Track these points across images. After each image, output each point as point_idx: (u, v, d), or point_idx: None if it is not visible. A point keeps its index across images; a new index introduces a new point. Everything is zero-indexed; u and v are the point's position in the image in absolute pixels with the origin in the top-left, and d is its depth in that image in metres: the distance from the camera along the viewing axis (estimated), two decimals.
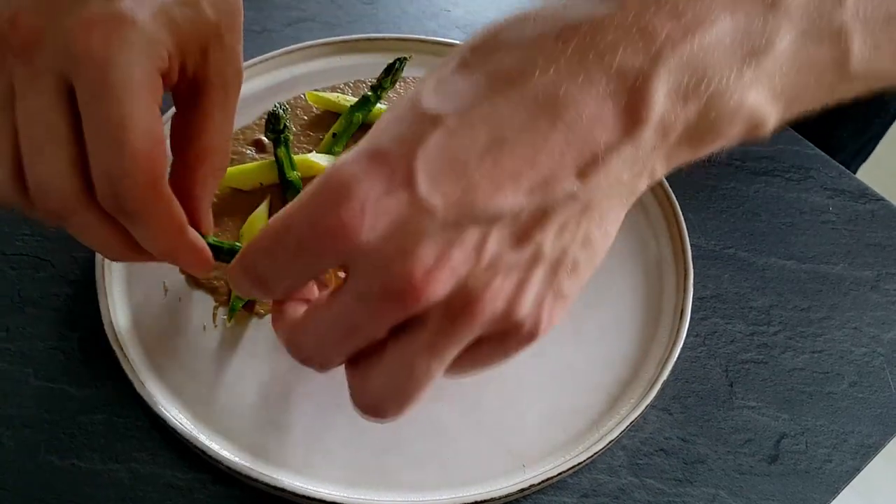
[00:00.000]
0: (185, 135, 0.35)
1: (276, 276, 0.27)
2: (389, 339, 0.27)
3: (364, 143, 0.25)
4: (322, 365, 0.29)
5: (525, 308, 0.26)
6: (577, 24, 0.25)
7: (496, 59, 0.25)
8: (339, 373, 0.43)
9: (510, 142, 0.24)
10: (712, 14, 0.25)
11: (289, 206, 0.26)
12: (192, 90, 0.35)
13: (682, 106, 0.25)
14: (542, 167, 0.24)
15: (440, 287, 0.24)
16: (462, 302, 0.25)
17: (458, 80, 0.25)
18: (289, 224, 0.26)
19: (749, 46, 0.25)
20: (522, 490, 0.39)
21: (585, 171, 0.25)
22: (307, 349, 0.28)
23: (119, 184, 0.30)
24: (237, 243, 0.43)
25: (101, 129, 0.30)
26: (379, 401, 0.28)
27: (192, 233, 0.35)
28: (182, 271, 0.46)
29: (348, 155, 0.25)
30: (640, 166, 0.26)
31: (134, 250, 0.34)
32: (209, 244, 0.43)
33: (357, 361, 0.29)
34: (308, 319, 0.28)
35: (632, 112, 0.24)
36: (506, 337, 0.27)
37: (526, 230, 0.25)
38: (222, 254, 0.37)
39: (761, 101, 0.26)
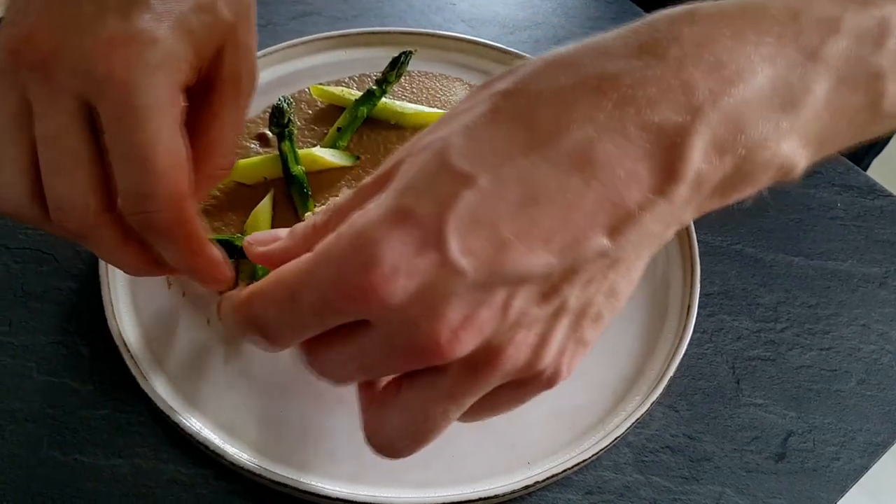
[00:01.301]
0: (192, 131, 0.34)
1: (286, 328, 0.27)
2: (406, 379, 0.27)
3: (392, 198, 0.24)
4: (336, 382, 0.28)
5: (547, 359, 0.26)
6: (617, 76, 0.24)
7: (531, 110, 0.25)
8: None
9: (543, 202, 0.23)
10: (754, 65, 0.24)
11: (306, 261, 0.25)
12: (205, 87, 0.35)
13: (718, 160, 0.24)
14: (574, 227, 0.24)
15: (465, 346, 0.24)
16: (485, 356, 0.25)
17: (491, 133, 0.25)
18: (310, 281, 0.25)
19: (787, 97, 0.24)
20: (527, 487, 0.38)
21: (618, 228, 0.24)
22: (321, 368, 0.28)
23: (146, 203, 0.30)
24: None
25: (126, 150, 0.30)
26: (393, 441, 0.28)
27: (213, 249, 0.34)
28: None
29: (375, 212, 0.24)
30: (672, 219, 0.25)
31: (151, 265, 0.34)
32: (219, 240, 0.42)
33: (371, 397, 0.29)
34: (329, 344, 0.27)
35: (669, 170, 0.24)
36: (525, 384, 0.27)
37: (554, 288, 0.25)
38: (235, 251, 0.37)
39: (794, 148, 0.25)
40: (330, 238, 0.25)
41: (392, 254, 0.23)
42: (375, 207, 0.24)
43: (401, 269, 0.23)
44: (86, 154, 0.30)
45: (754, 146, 0.24)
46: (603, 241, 0.24)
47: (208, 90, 0.35)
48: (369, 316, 0.24)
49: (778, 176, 0.26)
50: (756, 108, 0.24)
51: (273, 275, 0.26)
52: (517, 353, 0.25)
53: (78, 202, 0.31)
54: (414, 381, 0.27)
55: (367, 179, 0.28)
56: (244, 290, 0.28)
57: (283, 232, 0.31)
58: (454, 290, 0.23)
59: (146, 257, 0.34)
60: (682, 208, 0.25)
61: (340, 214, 0.28)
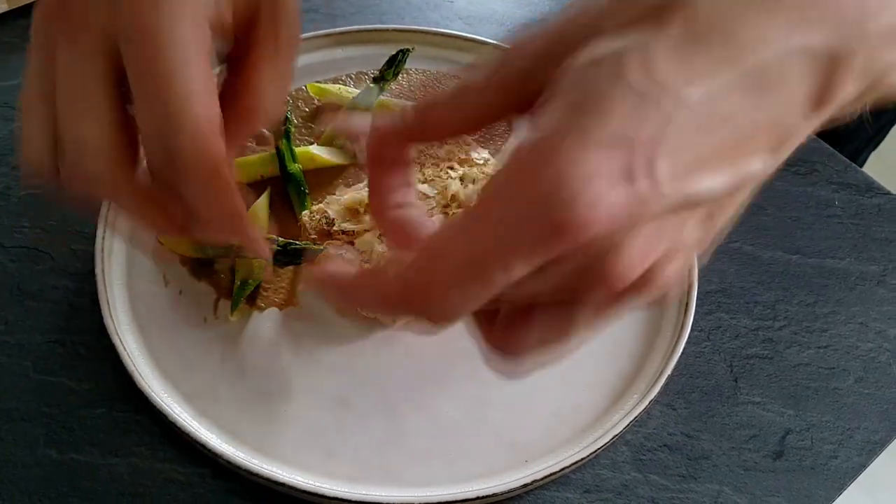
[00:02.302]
0: (229, 92, 0.32)
1: (466, 299, 0.24)
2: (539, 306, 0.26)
3: (571, 118, 0.23)
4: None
5: (676, 281, 0.26)
6: (778, 0, 0.24)
7: (704, 30, 0.24)
8: (343, 369, 0.43)
9: (730, 121, 0.23)
10: None
11: (479, 209, 0.23)
12: (243, 48, 0.33)
13: (859, 83, 0.25)
14: (749, 146, 0.24)
15: (636, 273, 0.24)
16: (640, 281, 0.25)
17: (671, 54, 0.24)
18: (495, 231, 0.23)
19: None
20: (525, 485, 0.38)
21: (778, 148, 0.24)
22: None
23: (168, 138, 0.29)
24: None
25: (147, 82, 0.29)
26: (521, 355, 0.27)
27: (241, 201, 0.32)
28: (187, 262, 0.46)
29: (555, 134, 0.23)
30: (804, 138, 0.26)
31: (174, 222, 0.32)
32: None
33: (489, 318, 0.27)
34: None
35: (825, 91, 0.24)
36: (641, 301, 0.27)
37: (719, 207, 0.25)
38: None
39: None
40: (506, 173, 0.23)
41: (588, 184, 0.22)
42: (553, 131, 0.23)
43: (599, 201, 0.22)
44: (104, 98, 0.30)
45: (883, 71, 0.25)
46: (767, 162, 0.24)
47: (246, 50, 0.33)
48: (563, 252, 0.23)
49: (884, 99, 0.27)
50: (890, 35, 0.25)
51: (436, 240, 0.24)
52: (667, 281, 0.25)
53: (92, 144, 0.29)
54: (551, 307, 0.26)
55: (479, 77, 0.26)
56: (385, 266, 0.25)
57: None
58: (640, 218, 0.23)
59: (168, 214, 0.32)
60: (814, 126, 0.25)
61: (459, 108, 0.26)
